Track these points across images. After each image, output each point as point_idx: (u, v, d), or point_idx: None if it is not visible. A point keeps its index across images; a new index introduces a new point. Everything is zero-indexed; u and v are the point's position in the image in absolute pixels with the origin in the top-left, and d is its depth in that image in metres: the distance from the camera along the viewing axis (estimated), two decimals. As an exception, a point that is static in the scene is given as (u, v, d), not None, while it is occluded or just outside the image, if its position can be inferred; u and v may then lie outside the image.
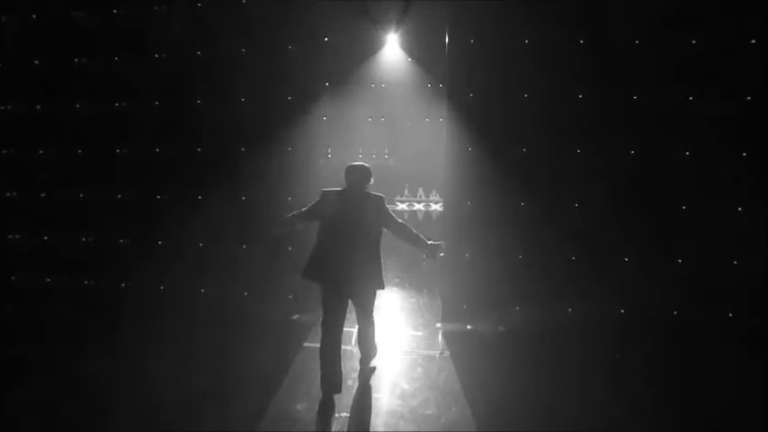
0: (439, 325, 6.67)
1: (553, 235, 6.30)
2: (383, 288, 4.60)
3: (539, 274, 6.39)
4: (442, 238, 6.38)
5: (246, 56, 7.00)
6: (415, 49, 9.03)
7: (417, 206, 10.85)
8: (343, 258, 4.41)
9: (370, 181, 4.69)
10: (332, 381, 4.53)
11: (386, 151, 10.35)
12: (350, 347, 5.60)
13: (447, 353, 5.89)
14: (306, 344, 6.02)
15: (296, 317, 6.89)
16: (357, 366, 5.20)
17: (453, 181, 6.78)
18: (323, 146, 10.63)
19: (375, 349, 5.13)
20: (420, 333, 6.50)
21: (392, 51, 9.17)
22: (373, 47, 9.02)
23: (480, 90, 6.50)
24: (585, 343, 5.90)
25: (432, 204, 10.84)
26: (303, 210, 4.68)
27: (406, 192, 10.59)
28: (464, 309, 6.70)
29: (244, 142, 6.99)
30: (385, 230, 4.68)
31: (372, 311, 4.75)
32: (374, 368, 5.17)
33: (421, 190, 10.76)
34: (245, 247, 6.98)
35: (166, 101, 7.23)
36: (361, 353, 5.06)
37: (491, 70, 6.48)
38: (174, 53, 7.15)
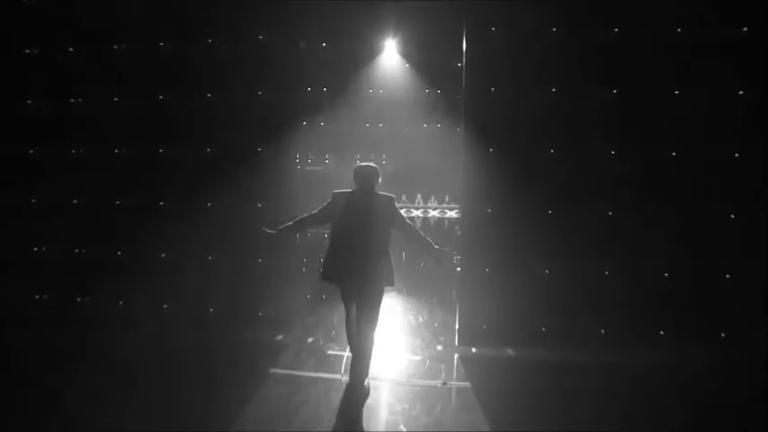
0: (440, 347, 5.97)
1: (584, 246, 5.87)
2: (392, 285, 4.75)
3: (568, 290, 5.89)
4: (459, 249, 6.16)
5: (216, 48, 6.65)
6: (413, 54, 9.03)
7: (415, 212, 10.70)
8: (356, 257, 4.55)
9: (378, 181, 4.79)
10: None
11: (383, 157, 10.30)
12: (338, 376, 5.13)
13: (449, 383, 5.08)
14: (273, 370, 5.31)
15: (280, 337, 6.20)
16: (342, 395, 4.82)
17: (471, 186, 6.17)
18: (320, 151, 10.52)
19: (370, 351, 4.94)
20: (419, 357, 5.75)
21: (390, 57, 9.16)
22: (371, 52, 8.97)
23: (501, 87, 6.03)
24: (623, 372, 5.21)
25: (429, 210, 10.68)
26: (314, 212, 4.77)
27: (404, 198, 10.45)
28: (483, 330, 6.09)
29: (210, 143, 6.58)
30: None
31: (379, 309, 4.79)
32: (367, 388, 4.91)
33: (419, 196, 10.66)
34: (210, 258, 6.54)
35: (127, 97, 6.73)
36: (359, 353, 4.87)
37: (513, 65, 6.02)
38: (137, 45, 6.69)
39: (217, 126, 6.55)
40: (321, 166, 10.57)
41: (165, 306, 6.54)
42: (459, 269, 6.06)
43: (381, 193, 4.74)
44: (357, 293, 4.65)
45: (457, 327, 6.24)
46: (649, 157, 5.84)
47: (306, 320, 6.77)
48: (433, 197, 10.86)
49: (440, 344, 6.07)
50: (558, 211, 5.93)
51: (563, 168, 5.93)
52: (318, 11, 6.87)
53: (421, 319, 6.85)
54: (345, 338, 5.08)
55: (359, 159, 9.80)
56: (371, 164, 4.87)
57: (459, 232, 9.80)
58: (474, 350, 5.87)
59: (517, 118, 6.00)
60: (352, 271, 4.55)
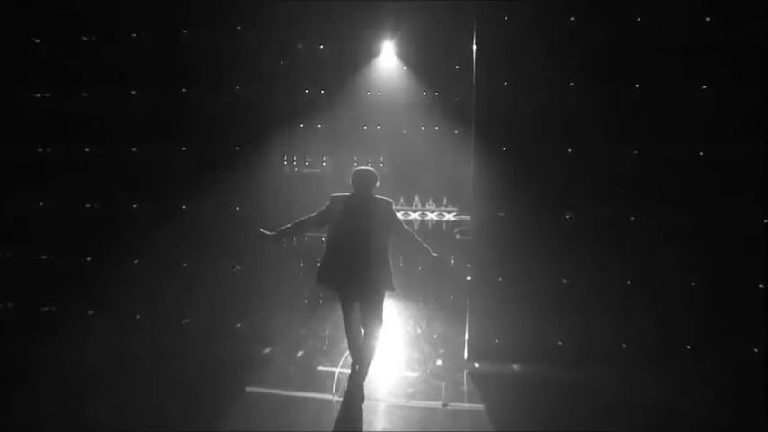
0: (440, 362, 5.58)
1: (605, 253, 5.46)
2: (393, 289, 4.70)
3: (588, 301, 5.47)
4: (469, 256, 6.00)
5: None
6: (410, 56, 9.02)
7: (413, 215, 10.66)
8: (355, 261, 4.54)
9: (376, 185, 4.80)
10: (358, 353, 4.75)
11: (381, 159, 10.27)
12: (330, 396, 4.74)
13: (450, 404, 4.61)
14: (249, 389, 4.84)
15: (267, 351, 5.74)
16: (335, 415, 4.52)
17: (482, 188, 5.76)
18: (317, 154, 10.43)
19: (372, 351, 4.88)
20: (417, 374, 5.26)
21: (388, 59, 9.16)
22: (369, 54, 8.97)
23: (514, 82, 5.67)
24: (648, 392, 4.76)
25: (428, 213, 10.64)
26: (312, 215, 4.79)
27: (402, 200, 10.39)
28: (496, 344, 5.60)
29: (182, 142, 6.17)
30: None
31: (382, 312, 4.77)
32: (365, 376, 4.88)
33: (417, 198, 10.63)
34: (186, 265, 6.12)
35: (91, 91, 6.28)
36: (362, 355, 4.79)
37: (526, 55, 5.64)
38: (105, 43, 6.30)
39: (203, 126, 6.23)
40: (318, 169, 10.47)
41: (138, 317, 6.03)
42: (469, 278, 5.76)
43: (379, 197, 4.75)
44: (357, 298, 4.64)
45: (466, 339, 5.78)
46: (679, 157, 5.42)
47: (296, 332, 6.35)
48: (431, 199, 10.81)
49: (440, 357, 5.68)
50: (580, 216, 5.57)
51: (585, 168, 5.55)
52: (316, 12, 6.78)
53: (419, 331, 6.41)
54: (337, 353, 5.09)
55: (356, 162, 9.76)
56: (369, 168, 4.88)
57: (458, 236, 9.80)
58: (485, 366, 5.46)
59: (532, 116, 5.65)
60: (351, 275, 4.54)
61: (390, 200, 4.76)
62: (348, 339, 4.80)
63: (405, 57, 9.14)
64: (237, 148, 6.16)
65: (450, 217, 10.63)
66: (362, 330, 4.73)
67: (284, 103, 6.90)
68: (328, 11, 6.82)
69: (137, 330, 5.92)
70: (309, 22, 6.94)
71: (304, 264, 8.43)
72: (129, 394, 4.59)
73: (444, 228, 10.32)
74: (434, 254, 4.74)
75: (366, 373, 4.73)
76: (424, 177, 10.38)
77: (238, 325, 6.03)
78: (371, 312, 4.66)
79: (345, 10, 7.07)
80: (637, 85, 5.59)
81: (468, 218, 10.56)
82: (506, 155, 5.68)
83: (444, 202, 10.77)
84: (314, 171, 10.44)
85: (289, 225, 4.82)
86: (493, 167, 5.72)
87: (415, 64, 9.16)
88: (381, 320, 4.75)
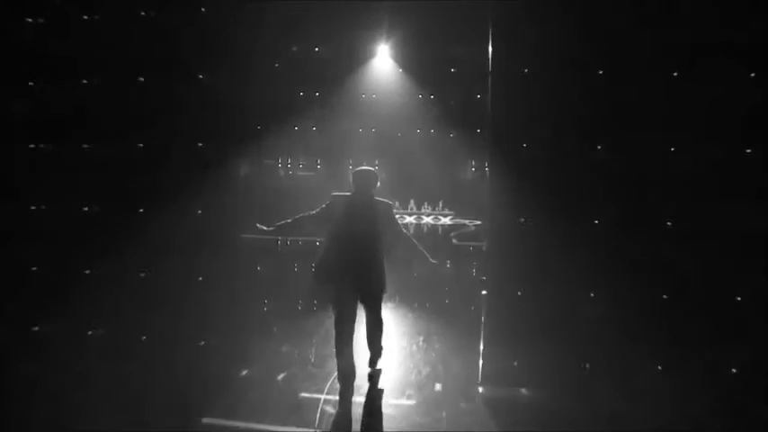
0: (439, 386, 4.49)
1: (638, 264, 4.84)
2: (385, 291, 4.60)
3: (619, 318, 4.82)
4: (484, 268, 5.79)
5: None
6: (406, 59, 9.03)
7: (408, 219, 10.57)
8: (354, 260, 4.49)
9: (376, 185, 4.78)
10: (347, 374, 4.49)
11: (376, 162, 10.21)
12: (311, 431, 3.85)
13: None
14: (206, 420, 3.88)
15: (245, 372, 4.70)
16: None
17: (499, 191, 5.27)
18: (312, 156, 10.27)
19: (381, 349, 4.90)
20: (413, 402, 4.26)
21: (383, 62, 9.16)
22: (364, 56, 8.97)
23: (538, 74, 5.24)
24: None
25: (423, 217, 10.56)
26: (312, 213, 4.73)
27: (397, 204, 10.29)
28: (514, 367, 4.77)
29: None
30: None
31: (380, 311, 4.73)
32: (380, 370, 4.83)
33: (412, 202, 10.54)
34: (142, 275, 5.57)
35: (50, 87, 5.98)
36: (370, 352, 4.83)
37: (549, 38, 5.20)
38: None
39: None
40: (313, 172, 10.39)
41: (90, 333, 5.18)
42: (484, 292, 5.32)
43: (380, 198, 4.70)
44: (354, 296, 4.54)
45: (481, 362, 4.99)
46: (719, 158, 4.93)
47: (278, 350, 5.27)
48: (426, 203, 10.73)
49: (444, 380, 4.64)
50: (607, 222, 5.02)
51: (613, 169, 5.08)
52: (311, 14, 6.73)
53: (415, 348, 5.38)
54: (323, 376, 4.42)
55: (351, 165, 9.65)
56: (370, 168, 4.85)
57: (454, 240, 9.69)
58: (501, 391, 4.48)
59: (560, 113, 5.23)
60: (348, 272, 4.47)
61: (390, 202, 4.74)
62: (336, 343, 4.50)
63: (400, 59, 9.11)
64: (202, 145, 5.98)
65: (445, 221, 10.56)
66: (364, 331, 4.67)
67: (279, 105, 6.81)
68: (324, 13, 6.82)
69: (88, 348, 5.03)
70: (304, 23, 6.89)
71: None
72: (75, 414, 3.85)
73: (440, 232, 10.22)
74: (433, 260, 4.67)
75: (376, 365, 4.73)
76: (420, 180, 10.34)
77: (201, 343, 5.15)
78: (371, 309, 4.65)
79: (341, 12, 7.06)
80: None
81: (466, 221, 10.54)
82: (529, 155, 5.25)
83: (440, 206, 10.70)
84: (308, 174, 10.36)
85: (288, 220, 4.75)
86: (513, 168, 5.30)
87: (411, 66, 9.14)
88: (381, 319, 4.72)
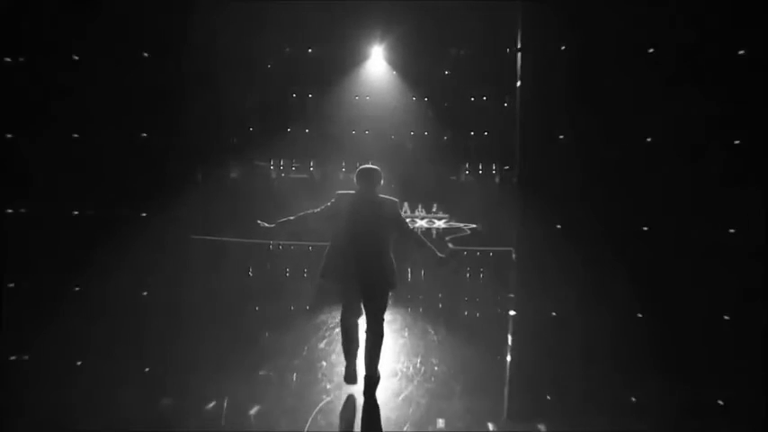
0: (441, 422, 3.72)
1: (691, 278, 4.24)
2: (395, 287, 4.61)
3: (672, 341, 4.10)
4: (514, 286, 5.27)
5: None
6: (399, 61, 9.17)
7: (402, 221, 10.41)
8: (359, 259, 4.54)
9: (381, 182, 4.81)
10: (353, 352, 4.65)
11: (370, 164, 10.09)
12: None
13: None
14: None
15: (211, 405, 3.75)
16: None
17: (528, 194, 4.72)
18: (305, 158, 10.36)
19: (378, 376, 4.63)
20: None
21: (376, 64, 9.30)
22: (358, 58, 9.09)
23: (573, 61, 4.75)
24: None
25: (417, 220, 10.48)
26: (317, 210, 4.77)
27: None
28: (548, 401, 4.05)
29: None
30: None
31: (383, 317, 4.67)
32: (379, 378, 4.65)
33: (406, 204, 10.49)
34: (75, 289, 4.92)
35: None
36: (366, 371, 4.52)
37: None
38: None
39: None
40: (306, 174, 10.46)
41: (25, 358, 4.27)
42: (512, 312, 4.62)
43: (384, 196, 4.76)
44: (361, 294, 4.59)
45: (506, 393, 4.36)
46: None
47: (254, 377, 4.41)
48: (420, 206, 10.65)
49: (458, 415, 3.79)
50: (656, 229, 4.40)
51: (662, 170, 4.53)
52: (304, 15, 6.85)
53: (419, 365, 4.69)
54: (306, 407, 3.81)
55: (344, 167, 9.98)
56: (374, 166, 4.85)
57: (450, 245, 9.45)
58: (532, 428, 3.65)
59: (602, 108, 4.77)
60: (355, 271, 4.53)
61: (396, 199, 4.74)
62: (343, 337, 4.69)
63: (393, 61, 9.21)
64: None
65: (440, 224, 10.45)
66: (364, 331, 4.63)
67: (272, 107, 6.65)
68: (317, 14, 6.86)
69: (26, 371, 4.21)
70: (297, 25, 6.98)
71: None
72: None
73: (435, 235, 10.11)
74: (441, 254, 4.70)
75: (376, 379, 4.52)
76: (414, 183, 10.37)
77: (146, 369, 4.27)
78: (372, 311, 4.61)
79: (334, 14, 7.12)
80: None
81: (461, 225, 10.43)
82: (564, 148, 4.62)
83: (434, 209, 10.62)
84: (301, 176, 10.37)
85: (291, 217, 4.79)
86: (546, 165, 4.75)
87: (405, 69, 9.26)
88: (382, 329, 4.62)
